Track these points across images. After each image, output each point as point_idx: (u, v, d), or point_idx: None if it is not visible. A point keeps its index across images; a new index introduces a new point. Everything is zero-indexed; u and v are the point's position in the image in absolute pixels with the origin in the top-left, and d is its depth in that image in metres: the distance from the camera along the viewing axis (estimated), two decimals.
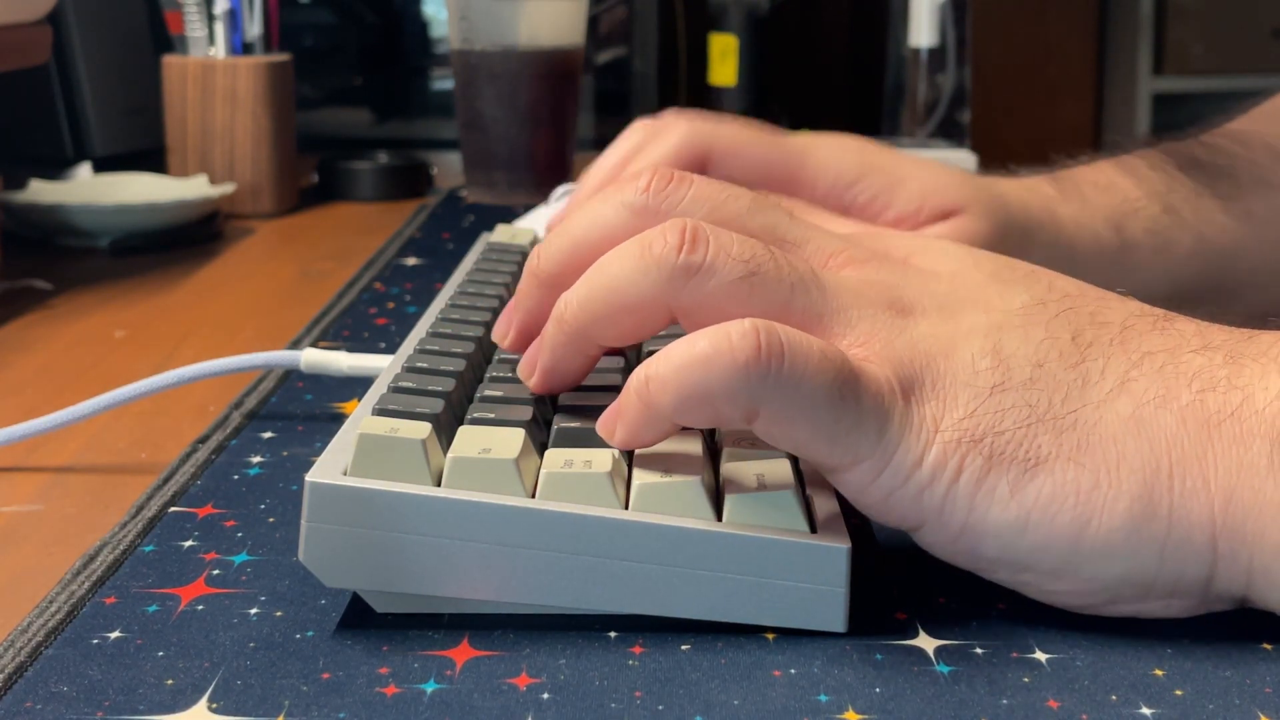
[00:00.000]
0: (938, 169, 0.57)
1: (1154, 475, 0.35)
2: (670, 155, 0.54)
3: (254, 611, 0.38)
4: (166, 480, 0.48)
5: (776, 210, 0.41)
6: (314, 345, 0.60)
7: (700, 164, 0.54)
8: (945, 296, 0.39)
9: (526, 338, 0.42)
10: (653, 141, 0.55)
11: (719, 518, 0.36)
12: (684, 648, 0.36)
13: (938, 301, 0.38)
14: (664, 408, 0.35)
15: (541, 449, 0.39)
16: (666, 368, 0.35)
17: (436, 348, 0.45)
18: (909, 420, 0.36)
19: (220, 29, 0.99)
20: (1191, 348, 0.38)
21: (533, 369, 0.41)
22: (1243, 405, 0.36)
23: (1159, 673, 0.35)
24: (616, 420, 0.37)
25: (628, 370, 0.44)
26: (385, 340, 0.66)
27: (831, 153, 0.56)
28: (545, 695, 0.34)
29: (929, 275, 0.40)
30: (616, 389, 0.42)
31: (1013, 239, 0.56)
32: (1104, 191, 0.61)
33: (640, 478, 0.37)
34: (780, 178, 0.55)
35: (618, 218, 0.40)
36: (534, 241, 0.63)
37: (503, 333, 0.43)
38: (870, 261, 0.40)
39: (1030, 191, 0.60)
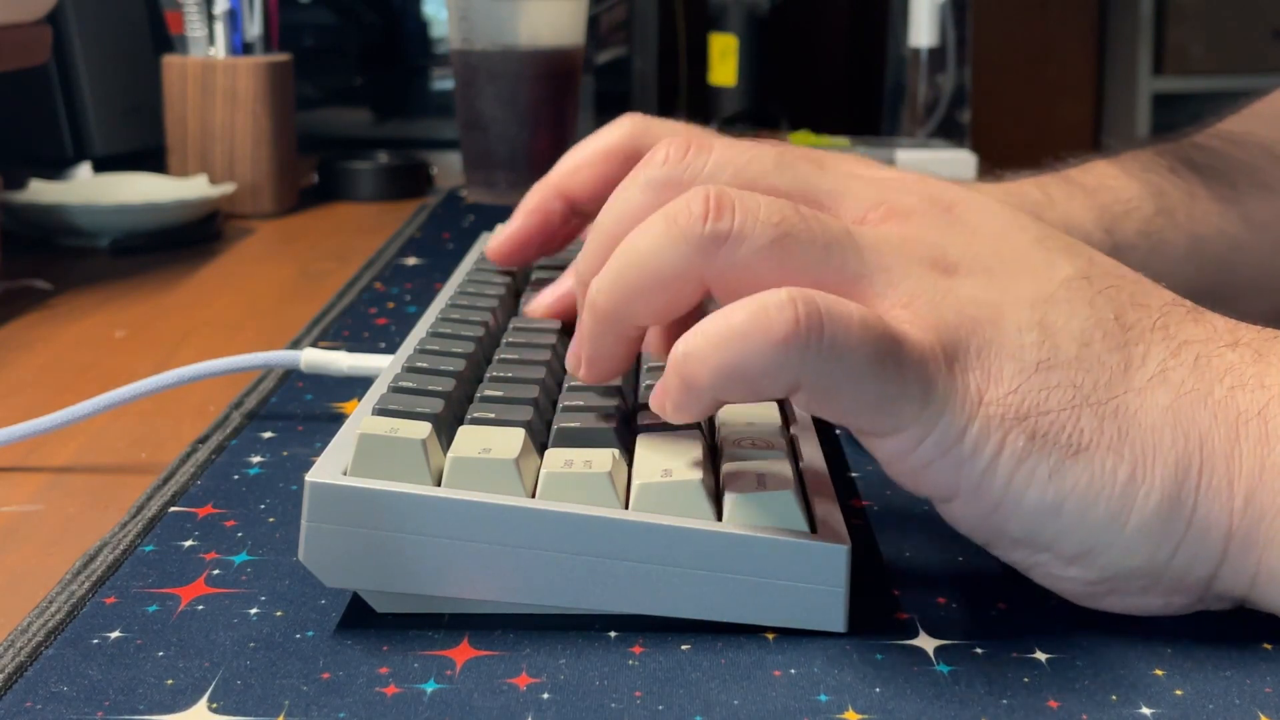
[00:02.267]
0: (915, 180, 0.56)
1: (1185, 472, 0.35)
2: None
3: (254, 611, 0.38)
4: (166, 480, 0.48)
5: (805, 163, 0.40)
6: (314, 345, 0.60)
7: None
8: (990, 258, 0.37)
9: None
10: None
11: (719, 518, 0.36)
12: (684, 648, 0.36)
13: (983, 263, 0.37)
14: (703, 385, 0.34)
15: (541, 449, 0.39)
16: (704, 343, 0.34)
17: (436, 348, 0.45)
18: (953, 390, 0.35)
19: (220, 29, 0.99)
20: (1224, 342, 0.37)
21: (578, 362, 0.40)
22: (1269, 405, 0.36)
23: (1159, 673, 0.35)
24: (665, 396, 0.36)
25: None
26: (385, 340, 0.66)
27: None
28: (545, 695, 0.34)
29: (973, 232, 0.38)
30: (616, 388, 0.42)
31: None
32: (1094, 193, 0.61)
33: (640, 478, 0.37)
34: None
35: (644, 198, 0.39)
36: None
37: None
38: (913, 215, 0.38)
39: (1012, 198, 0.59)
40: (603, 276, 0.37)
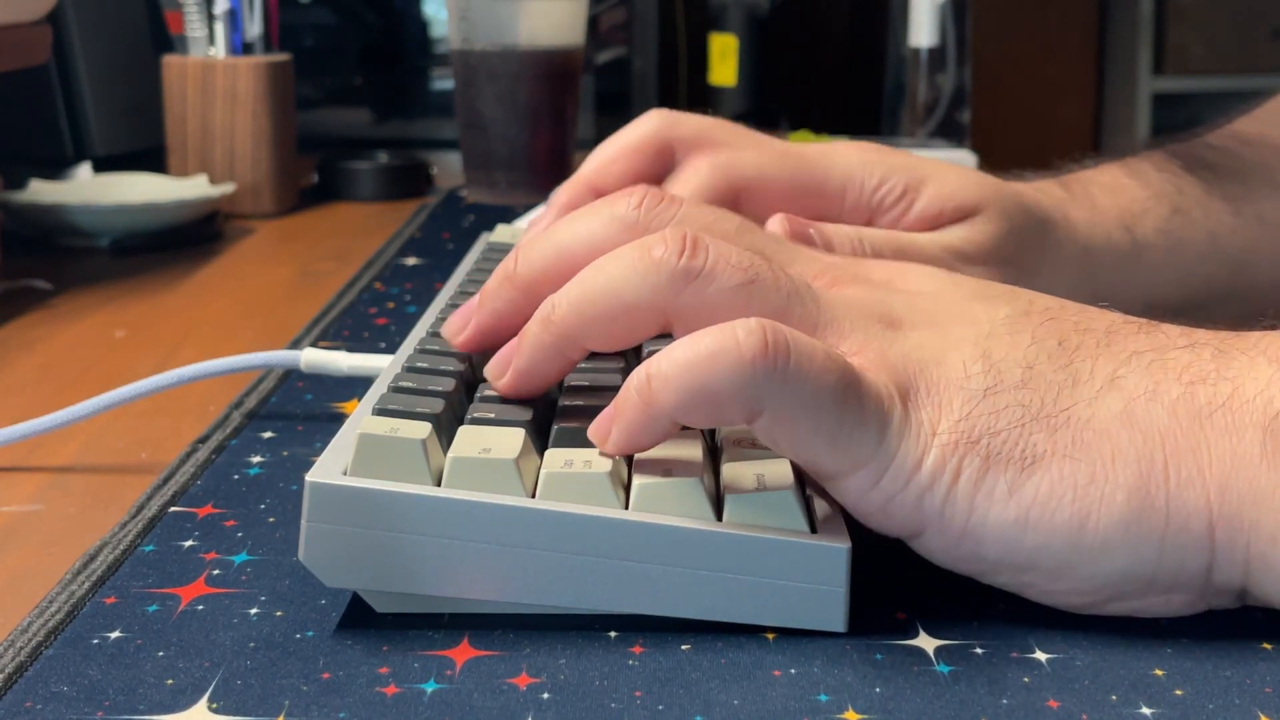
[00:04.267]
0: (956, 170, 0.57)
1: (1149, 468, 0.35)
2: (698, 193, 0.53)
3: (254, 611, 0.38)
4: (166, 480, 0.48)
5: (762, 234, 0.43)
6: (314, 345, 0.60)
7: (732, 199, 0.53)
8: (932, 312, 0.39)
9: (483, 339, 0.42)
10: (677, 179, 0.54)
11: (719, 518, 0.36)
12: (684, 648, 0.36)
13: (925, 316, 0.39)
14: (666, 406, 0.35)
15: (541, 449, 0.39)
16: (670, 365, 0.35)
17: (436, 348, 0.45)
18: (907, 424, 0.36)
19: (220, 29, 0.99)
20: (1178, 345, 0.38)
21: (504, 369, 0.41)
22: (1233, 396, 0.36)
23: (1159, 673, 0.35)
24: (612, 423, 0.37)
25: (627, 371, 0.44)
26: (385, 340, 0.66)
27: (853, 156, 0.56)
28: (545, 695, 0.34)
29: (913, 294, 0.40)
30: (617, 389, 0.42)
31: (1029, 240, 0.56)
32: (1113, 193, 0.61)
33: (640, 478, 0.37)
34: (808, 192, 0.55)
35: (606, 231, 0.41)
36: None
37: (457, 329, 0.43)
38: (855, 283, 0.41)
39: (1042, 193, 0.60)
40: (567, 293, 0.39)
